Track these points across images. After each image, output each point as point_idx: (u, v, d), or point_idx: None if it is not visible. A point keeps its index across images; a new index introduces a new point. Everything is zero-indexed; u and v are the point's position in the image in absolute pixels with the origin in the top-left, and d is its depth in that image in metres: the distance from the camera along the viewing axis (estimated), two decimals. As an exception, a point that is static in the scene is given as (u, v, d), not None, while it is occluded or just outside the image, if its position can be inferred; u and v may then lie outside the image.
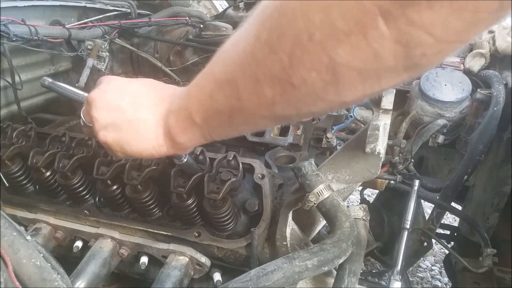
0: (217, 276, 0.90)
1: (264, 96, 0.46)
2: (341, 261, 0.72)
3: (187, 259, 0.87)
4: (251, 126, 0.58)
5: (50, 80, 0.82)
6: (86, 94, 0.77)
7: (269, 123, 0.55)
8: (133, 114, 0.63)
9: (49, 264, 0.60)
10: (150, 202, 0.90)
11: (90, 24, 1.49)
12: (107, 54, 1.43)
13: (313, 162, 0.82)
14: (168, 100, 0.62)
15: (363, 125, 1.49)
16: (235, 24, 1.69)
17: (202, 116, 0.55)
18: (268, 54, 0.42)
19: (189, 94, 0.58)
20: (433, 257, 2.67)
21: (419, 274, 2.55)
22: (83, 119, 0.68)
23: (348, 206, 0.80)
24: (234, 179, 0.83)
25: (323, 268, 0.69)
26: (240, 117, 0.52)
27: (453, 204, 1.66)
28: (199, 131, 0.58)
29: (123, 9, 1.66)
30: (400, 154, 1.48)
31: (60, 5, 1.42)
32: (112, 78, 0.68)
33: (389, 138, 1.37)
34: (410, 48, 0.35)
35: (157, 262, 0.91)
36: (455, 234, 1.90)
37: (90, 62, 1.38)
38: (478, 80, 1.59)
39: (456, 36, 0.34)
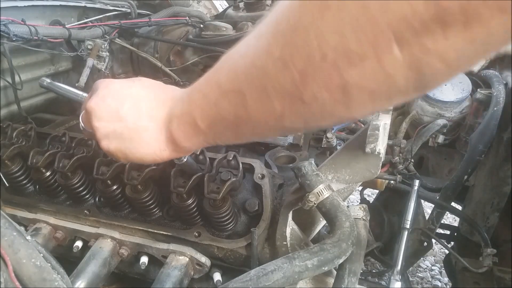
0: (217, 276, 0.90)
1: (273, 109, 0.46)
2: (341, 261, 0.72)
3: (187, 259, 0.87)
4: (258, 135, 0.58)
5: (48, 80, 0.82)
6: (85, 95, 0.77)
7: (276, 133, 0.55)
8: (133, 122, 0.62)
9: (49, 264, 0.60)
10: (150, 202, 0.90)
11: (90, 24, 1.49)
12: (107, 54, 1.43)
13: (313, 162, 0.82)
14: (169, 104, 0.62)
15: (363, 125, 1.49)
16: (235, 24, 1.69)
17: (207, 123, 0.55)
18: (280, 70, 0.42)
19: (192, 99, 0.57)
20: (433, 257, 2.67)
21: (419, 274, 2.55)
22: (83, 125, 0.68)
23: (348, 206, 0.80)
24: (234, 179, 0.83)
25: (323, 268, 0.69)
26: (246, 126, 0.52)
27: (453, 204, 1.66)
28: (203, 137, 0.58)
29: (123, 9, 1.66)
30: (400, 154, 1.48)
31: (60, 5, 1.42)
32: (110, 82, 0.67)
33: (389, 138, 1.37)
34: (422, 73, 0.36)
35: (157, 262, 0.91)
36: (455, 234, 1.90)
37: (90, 62, 1.38)
38: (478, 80, 1.59)
39: (467, 61, 0.35)
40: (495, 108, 1.41)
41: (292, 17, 0.40)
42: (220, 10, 1.98)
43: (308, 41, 0.38)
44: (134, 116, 0.62)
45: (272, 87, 0.44)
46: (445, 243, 1.83)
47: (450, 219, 2.75)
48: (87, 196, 0.97)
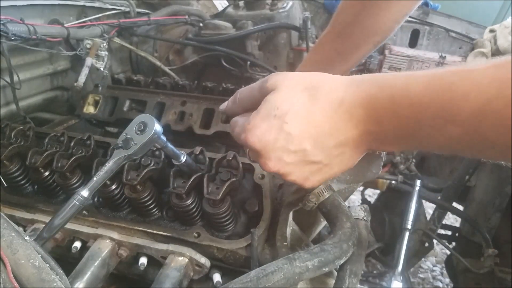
0: (216, 277, 0.89)
1: None
2: (342, 261, 0.71)
3: (187, 260, 0.86)
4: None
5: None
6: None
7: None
8: (327, 158, 0.60)
9: (48, 265, 0.60)
10: (149, 203, 0.90)
11: (89, 23, 1.48)
12: (106, 53, 1.43)
13: (313, 162, 0.81)
14: (359, 114, 0.57)
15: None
16: (235, 23, 1.69)
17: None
18: None
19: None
20: (434, 258, 2.67)
21: (420, 275, 2.55)
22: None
23: (349, 207, 0.79)
24: (234, 179, 0.82)
25: (324, 269, 0.69)
26: None
27: (454, 204, 1.66)
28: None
29: (122, 8, 1.66)
30: (402, 154, 1.47)
31: (59, 4, 1.41)
32: (284, 99, 0.59)
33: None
34: None
35: (156, 263, 0.90)
36: (457, 234, 1.89)
37: (89, 61, 1.37)
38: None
39: None
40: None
41: None
42: (220, 9, 1.97)
43: None
44: (324, 154, 0.59)
45: None
46: (447, 243, 1.82)
47: (451, 219, 2.74)
48: (86, 196, 0.97)
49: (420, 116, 0.52)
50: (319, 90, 0.58)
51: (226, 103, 0.71)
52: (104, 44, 1.41)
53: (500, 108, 0.45)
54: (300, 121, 0.58)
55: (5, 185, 0.98)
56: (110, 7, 1.62)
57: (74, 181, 0.93)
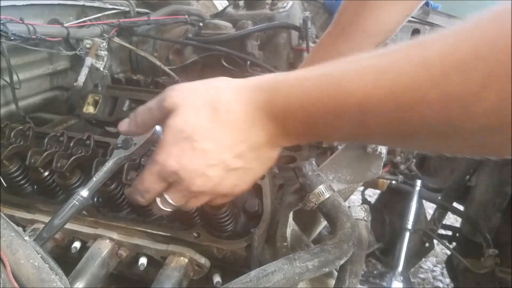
0: (216, 277, 0.89)
1: None
2: (342, 262, 0.71)
3: (187, 260, 0.86)
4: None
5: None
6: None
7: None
8: (248, 164, 0.61)
9: (47, 265, 0.60)
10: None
11: (89, 22, 1.48)
12: (106, 53, 1.42)
13: (314, 162, 0.81)
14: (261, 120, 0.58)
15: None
16: (235, 22, 1.68)
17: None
18: None
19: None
20: (434, 258, 2.66)
21: (421, 275, 2.55)
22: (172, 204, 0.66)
23: (349, 207, 0.79)
24: (234, 179, 0.82)
25: (324, 269, 0.68)
26: None
27: (455, 204, 1.66)
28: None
29: (122, 8, 1.65)
30: (402, 154, 1.47)
31: (58, 3, 1.41)
32: (186, 120, 0.59)
33: (391, 137, 1.36)
34: None
35: (156, 263, 0.90)
36: (457, 234, 1.89)
37: (88, 61, 1.36)
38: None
39: None
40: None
41: None
42: (220, 8, 1.97)
43: None
44: (243, 160, 0.60)
45: None
46: (447, 243, 1.82)
47: (452, 219, 2.74)
48: (86, 196, 0.96)
49: (312, 114, 0.53)
50: (220, 102, 0.59)
51: (124, 123, 0.69)
52: (104, 44, 1.41)
53: (381, 98, 0.45)
54: (210, 136, 0.59)
55: (5, 185, 0.98)
56: (110, 7, 1.61)
57: (74, 181, 0.93)
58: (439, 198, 1.65)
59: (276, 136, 0.60)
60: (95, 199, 0.97)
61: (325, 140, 0.62)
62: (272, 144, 0.62)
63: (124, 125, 0.69)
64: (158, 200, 0.67)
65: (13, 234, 0.59)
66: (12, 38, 1.14)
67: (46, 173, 0.95)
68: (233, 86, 0.61)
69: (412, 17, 1.87)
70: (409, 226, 1.32)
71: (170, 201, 0.65)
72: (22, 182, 1.00)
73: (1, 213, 0.61)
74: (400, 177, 1.40)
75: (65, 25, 1.36)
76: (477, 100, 0.39)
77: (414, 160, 1.54)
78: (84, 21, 1.47)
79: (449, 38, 0.43)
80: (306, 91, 0.53)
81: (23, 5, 1.27)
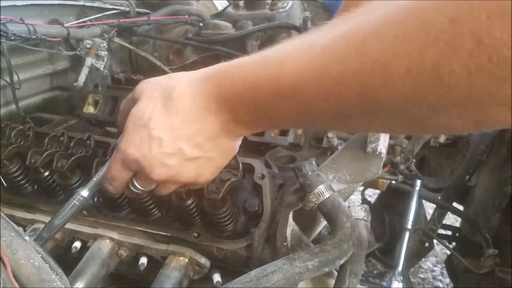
0: (216, 277, 0.89)
1: None
2: (342, 262, 0.71)
3: (187, 260, 0.86)
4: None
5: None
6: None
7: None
8: (207, 154, 0.63)
9: (48, 265, 0.60)
10: (149, 203, 0.89)
11: (89, 22, 1.48)
12: (106, 53, 1.42)
13: (313, 162, 0.81)
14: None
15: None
16: (235, 22, 1.69)
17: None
18: None
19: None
20: (434, 258, 2.67)
21: (421, 275, 2.55)
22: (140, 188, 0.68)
23: (349, 207, 0.79)
24: (234, 179, 0.82)
25: (324, 269, 0.69)
26: None
27: (454, 204, 1.66)
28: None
29: (122, 8, 1.66)
30: (402, 154, 1.47)
31: (58, 3, 1.41)
32: (143, 108, 0.62)
33: (391, 137, 1.36)
34: None
35: (156, 263, 0.90)
36: (457, 234, 1.89)
37: (88, 61, 1.37)
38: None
39: None
40: (497, 108, 1.40)
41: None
42: (220, 8, 1.97)
43: None
44: (201, 150, 0.61)
45: None
46: (447, 243, 1.82)
47: (451, 219, 2.74)
48: (86, 196, 0.97)
49: (256, 97, 0.53)
50: (174, 92, 0.60)
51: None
52: (104, 44, 1.41)
53: (310, 73, 0.46)
54: (165, 125, 0.60)
55: (5, 185, 0.98)
56: (110, 7, 1.62)
57: (74, 181, 0.93)
58: (439, 198, 1.65)
59: (228, 123, 0.60)
60: (95, 199, 0.97)
61: (279, 127, 0.63)
62: (227, 132, 0.62)
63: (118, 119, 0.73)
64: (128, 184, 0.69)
65: (13, 234, 0.59)
66: (12, 38, 1.14)
67: (46, 173, 0.95)
68: (187, 78, 0.62)
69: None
70: (409, 226, 1.32)
71: (138, 186, 0.67)
72: (22, 182, 1.00)
73: (1, 213, 0.61)
74: (400, 177, 1.40)
75: (65, 25, 1.36)
76: (392, 66, 0.39)
77: (414, 160, 1.54)
78: (84, 21, 1.47)
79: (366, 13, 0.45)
80: (248, 75, 0.54)
81: (23, 5, 1.27)
